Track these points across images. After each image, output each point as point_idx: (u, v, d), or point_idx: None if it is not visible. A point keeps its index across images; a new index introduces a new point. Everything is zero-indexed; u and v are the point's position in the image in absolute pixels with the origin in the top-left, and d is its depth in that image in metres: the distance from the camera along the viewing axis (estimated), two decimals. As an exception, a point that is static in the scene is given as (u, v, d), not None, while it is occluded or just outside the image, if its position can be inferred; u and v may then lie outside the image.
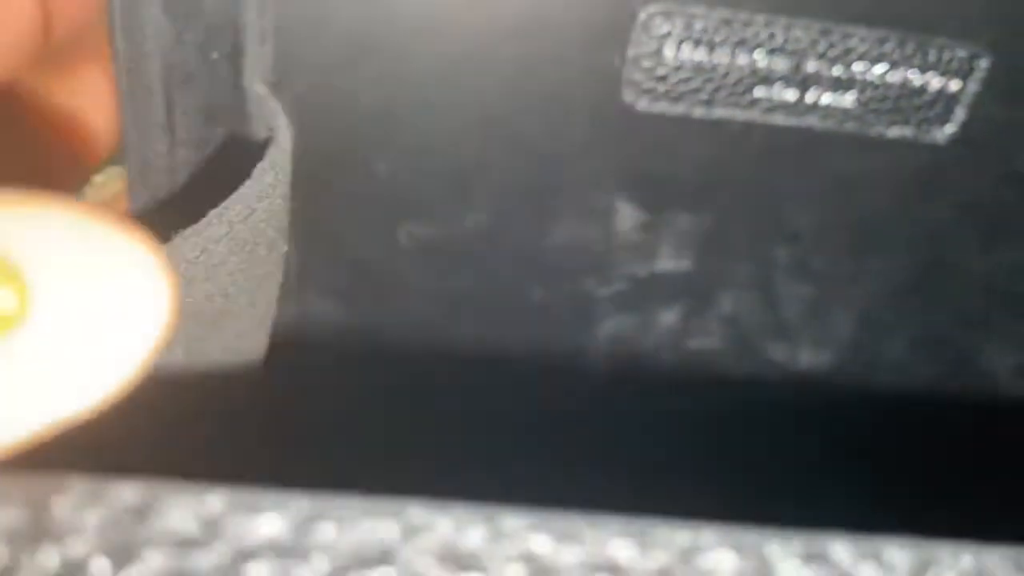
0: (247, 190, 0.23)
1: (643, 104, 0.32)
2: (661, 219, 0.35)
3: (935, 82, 0.32)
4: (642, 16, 0.30)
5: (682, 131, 0.33)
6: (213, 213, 0.23)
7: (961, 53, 0.31)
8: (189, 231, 0.23)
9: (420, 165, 0.33)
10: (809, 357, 0.39)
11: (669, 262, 0.36)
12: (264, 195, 0.24)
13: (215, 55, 0.27)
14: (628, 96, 0.32)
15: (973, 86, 0.32)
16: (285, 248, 0.29)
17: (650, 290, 0.37)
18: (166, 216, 0.25)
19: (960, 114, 0.32)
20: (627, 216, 0.35)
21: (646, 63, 0.31)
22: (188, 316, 0.24)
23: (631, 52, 0.31)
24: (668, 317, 0.38)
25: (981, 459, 0.42)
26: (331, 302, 0.37)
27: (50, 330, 0.11)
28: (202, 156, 0.27)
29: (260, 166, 0.24)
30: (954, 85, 0.32)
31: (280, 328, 0.38)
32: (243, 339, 0.29)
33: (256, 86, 0.26)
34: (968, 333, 0.38)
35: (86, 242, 0.11)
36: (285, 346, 0.38)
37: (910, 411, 0.41)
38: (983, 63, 0.31)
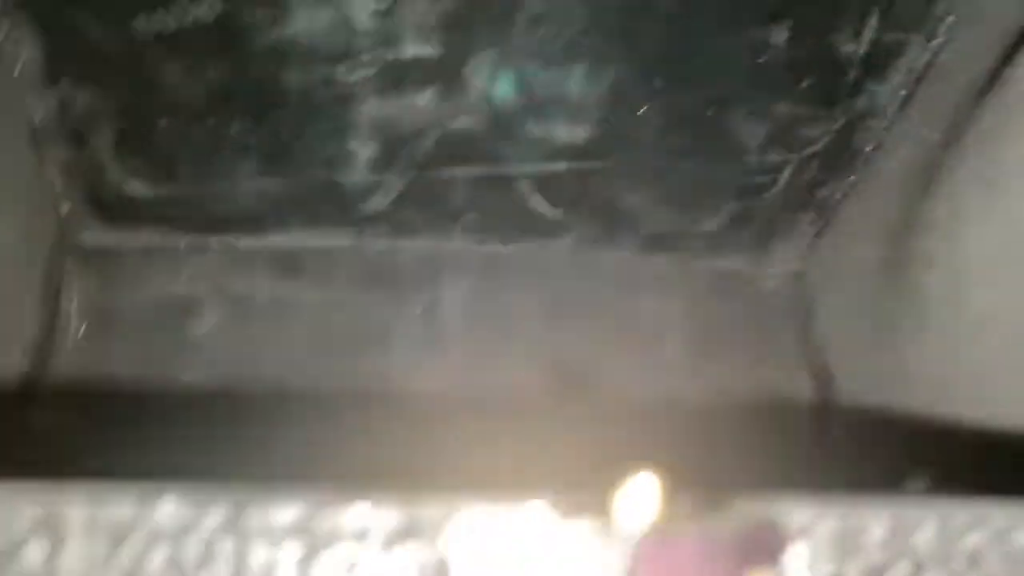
0: None
1: None
2: (398, 5, 0.35)
3: None
4: None
5: None
6: None
7: None
8: None
9: None
10: (565, 132, 0.40)
11: (415, 47, 0.37)
12: None
13: None
14: None
15: None
16: None
17: (401, 74, 0.37)
18: None
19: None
20: (362, 3, 0.35)
21: None
22: None
23: None
24: (424, 98, 0.39)
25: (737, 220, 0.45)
26: (88, 92, 0.37)
27: None
28: None
29: None
30: None
31: (42, 121, 0.38)
32: None
33: None
34: (718, 108, 0.40)
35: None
36: (52, 134, 0.39)
37: (668, 184, 0.43)
38: None
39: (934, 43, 0.37)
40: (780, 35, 0.37)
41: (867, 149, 0.42)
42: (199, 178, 0.42)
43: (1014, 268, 0.32)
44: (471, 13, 0.35)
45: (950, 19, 0.36)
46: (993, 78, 0.33)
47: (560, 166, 0.42)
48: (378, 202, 0.44)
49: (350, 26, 0.35)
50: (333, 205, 0.44)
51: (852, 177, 0.43)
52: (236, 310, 0.44)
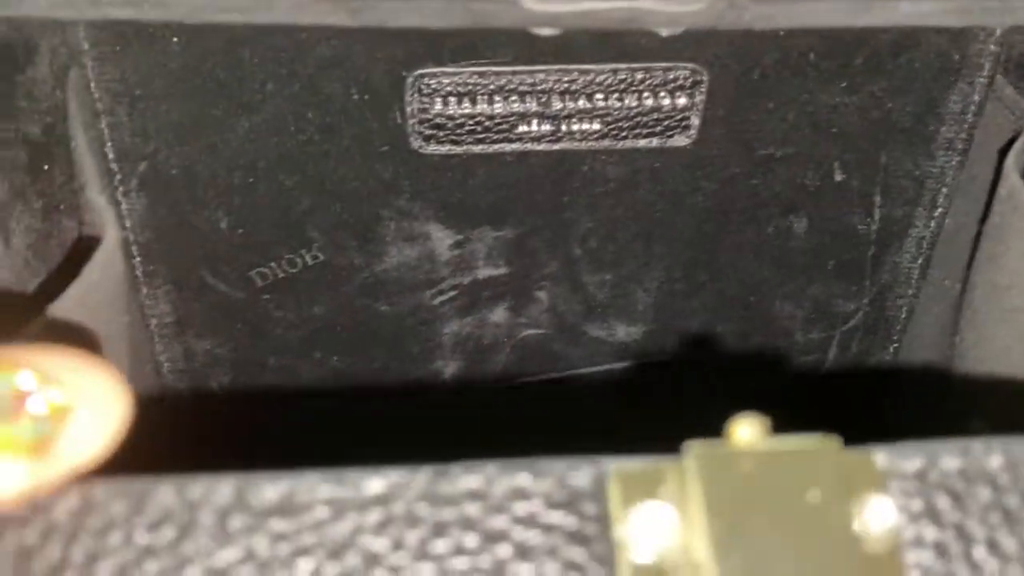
0: (76, 289, 0.29)
1: (429, 148, 0.38)
2: (470, 236, 0.41)
3: (667, 100, 0.38)
4: (409, 79, 0.36)
5: (470, 164, 0.39)
6: (51, 307, 0.29)
7: (683, 72, 0.37)
8: (34, 323, 0.28)
9: (255, 218, 0.39)
10: (624, 331, 0.45)
11: (487, 270, 0.43)
12: (93, 288, 0.30)
13: (45, 167, 0.33)
14: (415, 143, 0.38)
15: (700, 98, 0.38)
16: (127, 318, 0.35)
17: (477, 295, 0.43)
18: (15, 308, 0.31)
19: (695, 121, 0.38)
20: (441, 237, 0.41)
21: (423, 116, 0.37)
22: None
23: (408, 108, 0.37)
24: (498, 315, 0.44)
25: (788, 399, 0.48)
26: (208, 340, 0.43)
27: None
28: (41, 254, 0.33)
29: (88, 267, 0.30)
30: (683, 100, 0.38)
31: (169, 366, 0.44)
32: None
33: (89, 191, 0.32)
34: (757, 296, 0.44)
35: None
36: (176, 382, 0.44)
37: (718, 365, 0.47)
38: (704, 78, 0.37)
39: (936, 212, 0.42)
40: (800, 224, 0.42)
41: (902, 317, 0.46)
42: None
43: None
44: (529, 236, 0.42)
45: (944, 190, 0.41)
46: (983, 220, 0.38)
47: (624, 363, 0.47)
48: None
49: (433, 257, 0.42)
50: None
51: (895, 346, 0.47)
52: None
